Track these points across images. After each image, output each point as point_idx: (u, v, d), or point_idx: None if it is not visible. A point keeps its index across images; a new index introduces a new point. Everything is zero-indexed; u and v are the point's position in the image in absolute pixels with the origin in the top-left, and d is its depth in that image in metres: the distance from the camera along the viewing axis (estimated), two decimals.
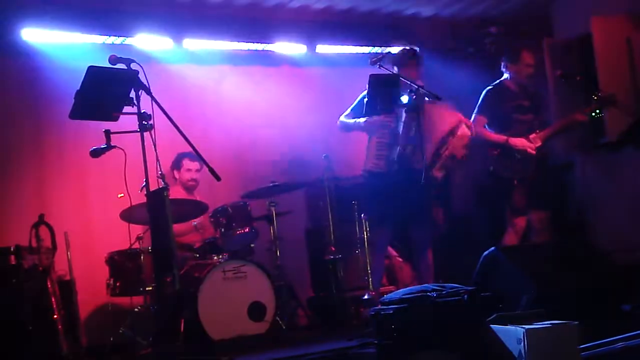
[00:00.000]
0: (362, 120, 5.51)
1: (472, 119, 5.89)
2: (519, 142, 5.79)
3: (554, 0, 7.11)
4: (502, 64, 5.96)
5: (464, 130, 5.38)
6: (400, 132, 5.36)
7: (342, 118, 5.69)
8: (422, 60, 5.67)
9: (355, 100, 5.63)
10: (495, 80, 6.00)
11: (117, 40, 6.25)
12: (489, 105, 5.88)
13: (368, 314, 5.30)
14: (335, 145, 6.43)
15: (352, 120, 5.62)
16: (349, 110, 5.66)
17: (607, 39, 6.35)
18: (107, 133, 4.22)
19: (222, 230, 5.54)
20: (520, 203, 5.82)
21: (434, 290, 3.94)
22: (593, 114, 5.84)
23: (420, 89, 5.15)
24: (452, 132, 5.36)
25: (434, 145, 5.31)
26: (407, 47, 5.69)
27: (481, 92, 5.97)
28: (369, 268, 5.59)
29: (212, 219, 5.64)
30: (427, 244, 5.59)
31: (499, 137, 5.82)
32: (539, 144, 5.80)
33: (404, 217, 5.48)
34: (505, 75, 5.95)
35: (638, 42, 6.27)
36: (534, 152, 5.77)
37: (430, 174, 5.25)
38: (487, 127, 5.89)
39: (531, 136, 5.80)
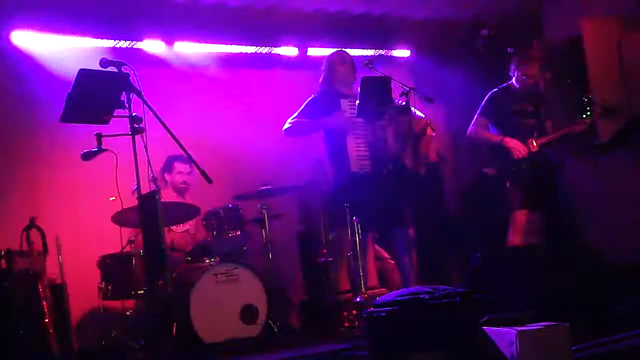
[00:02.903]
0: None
1: (474, 120, 5.93)
2: (513, 142, 5.82)
3: (545, 2, 7.13)
4: (511, 67, 5.98)
5: (430, 131, 5.62)
6: (393, 133, 5.38)
7: (291, 121, 5.65)
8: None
9: (301, 104, 5.63)
10: (491, 83, 6.04)
11: (112, 43, 6.23)
12: (491, 107, 5.91)
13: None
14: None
15: (306, 120, 5.58)
16: (295, 114, 5.63)
17: (597, 41, 6.38)
18: (98, 136, 4.22)
19: (214, 233, 5.52)
20: (516, 200, 5.84)
21: (426, 292, 3.93)
22: (584, 115, 5.89)
23: (412, 90, 5.18)
24: (423, 131, 5.56)
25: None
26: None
27: (473, 95, 6.00)
28: (361, 271, 5.59)
29: (204, 222, 5.62)
30: (412, 245, 5.60)
31: (495, 137, 5.86)
32: (535, 148, 5.83)
33: (391, 218, 5.50)
34: (513, 80, 5.98)
35: (628, 44, 6.30)
36: (526, 154, 5.79)
37: (415, 169, 5.34)
38: (490, 128, 5.93)
39: (529, 140, 5.83)
